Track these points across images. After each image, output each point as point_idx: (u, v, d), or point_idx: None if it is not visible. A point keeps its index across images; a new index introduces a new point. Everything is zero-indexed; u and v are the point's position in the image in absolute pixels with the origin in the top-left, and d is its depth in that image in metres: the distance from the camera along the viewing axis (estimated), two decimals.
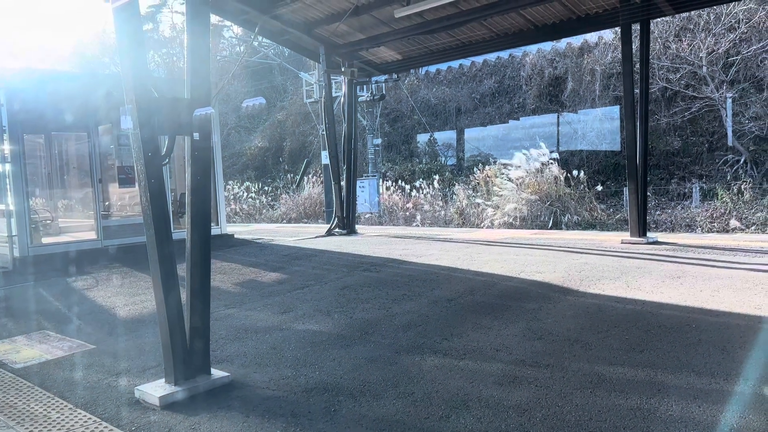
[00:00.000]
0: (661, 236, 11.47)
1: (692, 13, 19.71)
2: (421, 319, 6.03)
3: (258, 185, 28.83)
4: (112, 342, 5.94)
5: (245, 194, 28.24)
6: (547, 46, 24.32)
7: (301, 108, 30.76)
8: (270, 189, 28.63)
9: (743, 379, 4.04)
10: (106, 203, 11.90)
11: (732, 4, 19.24)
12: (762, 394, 3.81)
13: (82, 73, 25.24)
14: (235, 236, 13.53)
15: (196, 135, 4.56)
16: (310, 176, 27.48)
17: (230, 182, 29.19)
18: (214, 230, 12.43)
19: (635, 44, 11.14)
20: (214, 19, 17.64)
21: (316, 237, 14.01)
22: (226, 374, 4.63)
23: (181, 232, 5.96)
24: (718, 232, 15.63)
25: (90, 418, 4.03)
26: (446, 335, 5.45)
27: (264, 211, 26.87)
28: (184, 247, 4.59)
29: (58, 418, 4.06)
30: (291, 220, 24.91)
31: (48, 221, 12.52)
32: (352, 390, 4.29)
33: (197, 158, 4.59)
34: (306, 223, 23.56)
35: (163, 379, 4.46)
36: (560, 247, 10.42)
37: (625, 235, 10.88)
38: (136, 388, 4.41)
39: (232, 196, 27.94)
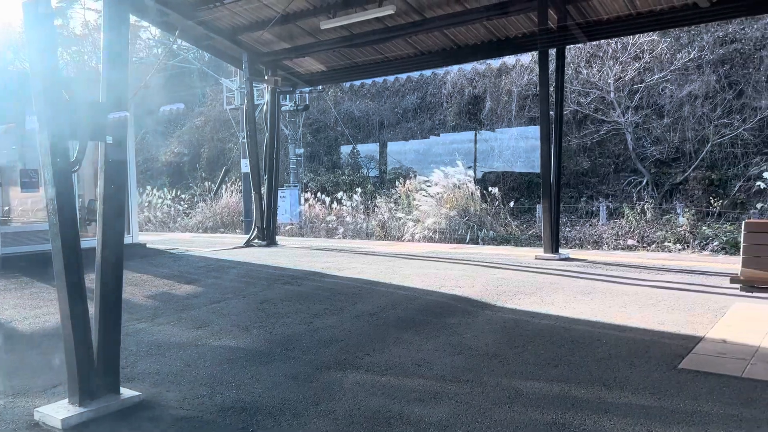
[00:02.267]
0: (572, 253, 11.98)
1: (602, 41, 20.89)
2: (343, 334, 5.97)
3: (174, 192, 27.83)
4: (9, 359, 5.50)
5: (160, 201, 27.17)
6: (467, 65, 25.05)
7: (221, 114, 30.07)
8: (186, 196, 27.71)
9: (649, 393, 4.25)
10: (6, 208, 11.09)
11: (637, 36, 20.56)
12: (665, 407, 4.02)
13: None
14: (148, 246, 12.96)
15: (109, 139, 4.33)
16: (228, 184, 26.83)
17: (144, 188, 28.02)
18: (126, 239, 11.85)
19: (551, 68, 11.62)
20: (131, 18, 16.96)
21: (234, 248, 13.66)
22: (136, 393, 4.39)
23: (90, 240, 5.63)
24: (623, 249, 16.53)
25: None
26: (368, 350, 5.43)
27: (179, 219, 25.97)
28: (92, 256, 4.33)
29: None
30: (207, 229, 24.20)
31: None
32: (271, 409, 4.17)
33: (110, 164, 4.35)
34: (223, 232, 22.95)
35: (67, 400, 4.16)
36: (478, 261, 10.66)
37: (539, 251, 11.29)
38: (35, 409, 4.09)
39: (145, 203, 26.81)
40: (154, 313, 7.11)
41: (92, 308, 4.27)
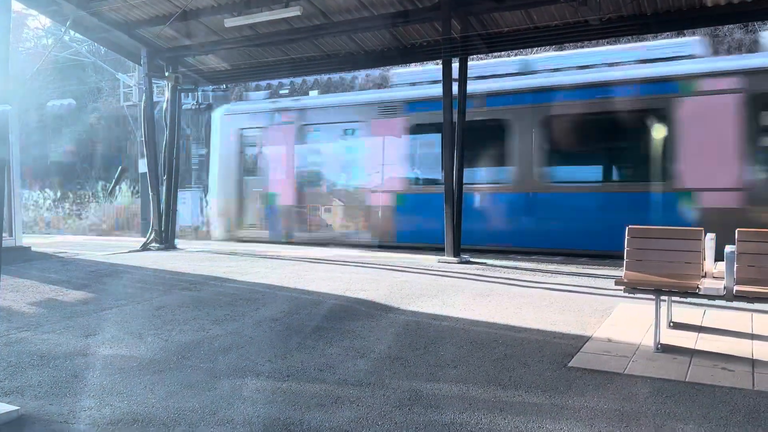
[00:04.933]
0: (472, 256, 12.33)
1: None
2: (243, 341, 5.83)
3: (64, 192, 26.14)
4: None
5: (48, 201, 25.43)
6: (375, 70, 25.27)
7: (118, 111, 28.61)
8: (78, 197, 26.11)
9: (541, 391, 4.45)
10: None
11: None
12: (556, 404, 4.22)
13: None
14: (33, 249, 12.07)
15: None
16: (127, 185, 25.55)
17: (32, 188, 26.12)
18: (7, 242, 10.98)
19: (454, 76, 11.90)
20: (17, 5, 15.78)
21: (129, 251, 13.01)
22: (14, 408, 4.08)
23: None
24: (518, 252, 17.22)
25: None
26: (270, 357, 5.33)
27: (70, 221, 24.44)
28: None
29: None
30: (102, 231, 22.93)
31: None
32: (165, 420, 3.99)
33: None
34: (119, 235, 21.81)
35: None
36: (384, 265, 10.76)
37: (442, 255, 11.55)
38: None
39: (31, 203, 25.01)
40: (38, 321, 6.63)
41: None
